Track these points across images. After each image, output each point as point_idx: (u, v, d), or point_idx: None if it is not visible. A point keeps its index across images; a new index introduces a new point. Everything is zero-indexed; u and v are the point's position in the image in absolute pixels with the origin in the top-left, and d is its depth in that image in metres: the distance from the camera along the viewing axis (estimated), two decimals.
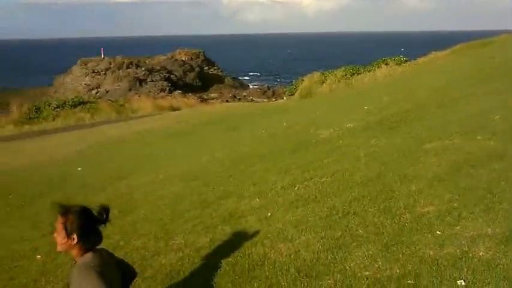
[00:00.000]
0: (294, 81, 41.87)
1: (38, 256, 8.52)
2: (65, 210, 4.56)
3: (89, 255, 4.57)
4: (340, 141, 12.17)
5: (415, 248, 5.87)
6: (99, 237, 4.66)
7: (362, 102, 18.32)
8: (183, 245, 7.40)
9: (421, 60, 31.78)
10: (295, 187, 9.03)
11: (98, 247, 4.68)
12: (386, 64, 32.03)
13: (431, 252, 5.69)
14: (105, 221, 4.62)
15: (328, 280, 5.48)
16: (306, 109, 21.92)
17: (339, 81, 31.23)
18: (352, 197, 7.87)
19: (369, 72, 31.48)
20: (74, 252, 4.60)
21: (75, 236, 4.46)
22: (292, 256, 6.22)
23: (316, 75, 34.93)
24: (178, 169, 12.83)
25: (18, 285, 7.42)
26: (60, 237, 4.50)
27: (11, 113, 41.57)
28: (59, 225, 4.49)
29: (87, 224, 4.53)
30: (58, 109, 37.50)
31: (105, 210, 4.64)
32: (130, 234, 8.42)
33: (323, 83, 32.64)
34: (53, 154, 21.96)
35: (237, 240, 7.13)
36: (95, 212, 4.61)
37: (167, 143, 19.11)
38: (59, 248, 4.57)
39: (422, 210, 6.84)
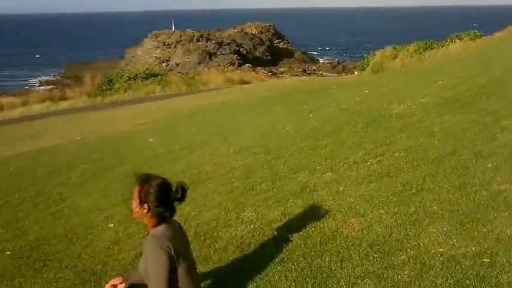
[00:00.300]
0: (364, 55, 41.50)
1: (111, 225, 8.70)
2: (144, 179, 4.67)
3: (160, 228, 4.72)
4: (414, 117, 11.99)
5: (491, 226, 5.77)
6: (171, 212, 4.79)
7: (436, 77, 17.99)
8: (254, 218, 7.43)
9: (497, 35, 31.04)
10: (367, 162, 8.96)
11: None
12: (460, 39, 31.47)
13: (508, 231, 5.58)
14: (180, 199, 4.70)
15: (401, 256, 5.44)
16: (378, 84, 21.67)
17: (412, 56, 30.83)
18: (426, 172, 7.77)
19: (442, 47, 30.95)
20: (146, 221, 4.78)
21: (146, 206, 4.60)
22: (364, 231, 6.19)
23: (388, 50, 34.57)
24: (249, 142, 12.85)
25: (93, 252, 7.60)
26: (134, 204, 4.72)
27: (84, 85, 42.49)
28: (136, 193, 4.70)
29: (161, 197, 4.64)
30: (130, 81, 38.08)
31: (182, 188, 4.75)
32: (202, 206, 8.50)
33: (395, 57, 32.29)
34: (124, 125, 22.33)
35: (309, 214, 7.13)
36: (172, 188, 4.69)
37: (238, 116, 19.15)
38: (133, 215, 4.75)
39: (499, 188, 6.72)
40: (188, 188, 4.84)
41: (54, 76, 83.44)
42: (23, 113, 36.07)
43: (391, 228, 6.10)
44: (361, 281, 5.13)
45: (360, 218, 6.57)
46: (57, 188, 12.27)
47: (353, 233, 6.19)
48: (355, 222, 6.48)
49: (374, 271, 5.26)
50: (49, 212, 10.33)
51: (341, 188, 7.87)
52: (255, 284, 5.49)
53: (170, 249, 4.59)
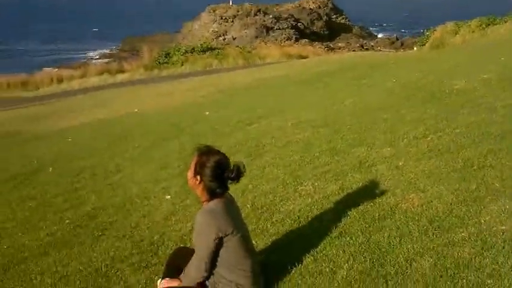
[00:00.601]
0: (424, 31, 41.07)
1: (168, 196, 8.79)
2: (203, 151, 4.70)
3: (212, 203, 4.80)
4: (476, 93, 11.78)
5: None
6: (224, 189, 4.83)
7: (498, 53, 17.67)
8: (312, 191, 7.41)
9: None
10: (428, 137, 8.83)
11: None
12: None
13: None
14: (234, 178, 4.75)
15: (462, 233, 5.36)
16: (439, 59, 21.35)
17: (473, 31, 30.27)
18: (488, 149, 7.61)
19: (505, 22, 30.29)
20: (198, 193, 4.87)
21: (199, 177, 4.66)
22: (424, 207, 6.12)
23: (449, 25, 34.03)
24: (307, 116, 12.80)
25: (150, 222, 7.69)
26: (189, 173, 4.82)
27: (141, 59, 42.91)
28: (193, 162, 4.79)
29: (216, 173, 4.70)
30: (187, 54, 38.29)
31: (238, 169, 4.78)
32: (259, 179, 8.52)
33: (456, 33, 31.74)
34: (181, 98, 22.51)
35: (367, 188, 7.08)
36: (230, 166, 4.78)
37: (296, 90, 19.11)
38: (188, 183, 4.83)
39: None
40: (245, 171, 4.87)
41: (111, 50, 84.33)
42: (81, 85, 36.71)
43: (451, 204, 6.01)
44: (420, 257, 5.08)
45: (420, 194, 6.49)
46: (114, 159, 12.45)
47: (412, 209, 6.12)
48: (415, 197, 6.41)
49: (433, 247, 5.20)
50: (106, 183, 10.51)
51: (400, 163, 7.79)
52: (312, 257, 5.48)
53: (217, 226, 4.66)
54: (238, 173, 4.77)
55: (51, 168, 12.59)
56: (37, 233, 8.15)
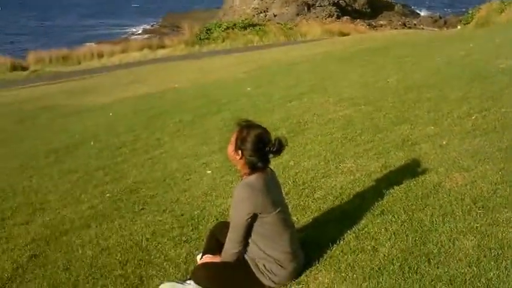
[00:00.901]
0: (468, 9, 40.68)
1: (208, 171, 8.85)
2: (244, 126, 4.72)
3: (252, 178, 4.82)
4: None
5: None
6: (265, 163, 4.85)
7: None
8: (354, 169, 7.41)
9: None
10: (472, 116, 8.75)
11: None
12: None
13: None
14: (276, 152, 4.78)
15: (507, 213, 5.31)
16: (484, 38, 21.05)
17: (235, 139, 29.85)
18: None
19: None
20: (239, 167, 4.91)
21: (240, 152, 4.69)
22: (468, 186, 6.07)
23: (495, 3, 33.55)
24: (349, 93, 12.75)
25: (191, 197, 7.76)
26: (230, 148, 4.85)
27: (182, 35, 43.04)
28: (234, 137, 4.83)
29: (257, 147, 4.75)
30: (228, 30, 38.30)
31: (280, 142, 4.79)
32: (300, 156, 8.53)
33: (502, 11, 31.29)
34: (222, 74, 22.56)
35: (410, 167, 7.05)
36: (271, 140, 4.80)
37: (338, 67, 19.02)
38: (229, 158, 4.98)
39: None
40: (287, 145, 4.88)
41: (152, 25, 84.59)
42: (122, 61, 36.97)
43: (496, 184, 5.96)
44: (463, 236, 5.05)
45: (464, 173, 6.44)
46: (155, 133, 12.56)
47: (456, 188, 6.08)
48: (459, 177, 6.36)
49: (477, 227, 5.16)
50: (147, 157, 10.61)
51: (444, 142, 7.73)
52: (354, 234, 5.49)
53: (254, 203, 4.70)
54: (279, 147, 4.77)
55: (92, 142, 12.75)
56: (79, 206, 8.28)
